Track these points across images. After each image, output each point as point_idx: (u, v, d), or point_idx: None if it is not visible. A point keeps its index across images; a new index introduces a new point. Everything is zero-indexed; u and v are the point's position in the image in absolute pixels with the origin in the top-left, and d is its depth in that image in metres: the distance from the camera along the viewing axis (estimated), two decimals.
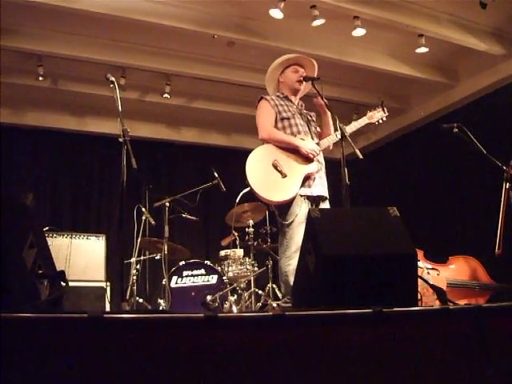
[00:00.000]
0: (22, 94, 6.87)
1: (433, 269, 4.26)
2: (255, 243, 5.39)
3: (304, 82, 3.88)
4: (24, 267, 1.93)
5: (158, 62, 6.48)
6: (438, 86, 7.17)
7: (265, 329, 1.77)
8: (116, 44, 6.17)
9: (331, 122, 3.91)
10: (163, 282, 5.09)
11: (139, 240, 5.29)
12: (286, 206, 3.58)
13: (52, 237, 5.14)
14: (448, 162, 7.02)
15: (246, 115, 7.21)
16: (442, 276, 4.25)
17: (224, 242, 5.76)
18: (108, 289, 5.14)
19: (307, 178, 3.64)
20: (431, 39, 5.99)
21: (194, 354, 1.64)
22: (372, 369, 1.86)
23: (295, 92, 3.95)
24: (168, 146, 8.17)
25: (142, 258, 5.52)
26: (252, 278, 5.23)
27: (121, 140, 3.34)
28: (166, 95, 6.99)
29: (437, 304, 2.84)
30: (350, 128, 3.76)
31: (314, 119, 4.04)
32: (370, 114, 3.93)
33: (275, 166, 3.59)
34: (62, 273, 2.23)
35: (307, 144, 3.67)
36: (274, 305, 4.83)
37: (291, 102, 3.92)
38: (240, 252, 5.61)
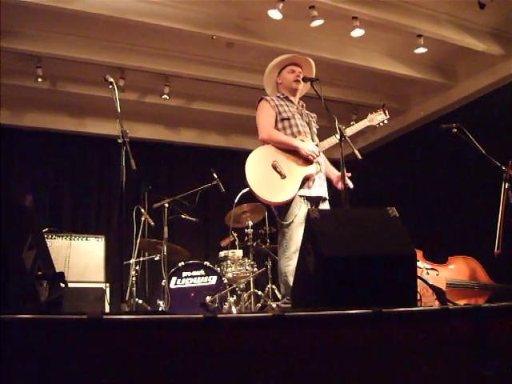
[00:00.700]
0: (21, 95, 6.87)
1: (432, 269, 4.27)
2: (254, 244, 5.40)
3: (302, 82, 3.88)
4: (23, 268, 1.93)
5: (157, 63, 6.47)
6: (436, 86, 7.17)
7: (264, 329, 1.77)
8: (115, 45, 6.16)
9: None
10: (162, 283, 5.09)
11: (138, 241, 5.28)
12: (285, 207, 3.58)
13: (51, 238, 5.13)
14: (447, 162, 7.02)
15: (245, 116, 7.21)
16: (441, 276, 4.25)
17: (223, 243, 5.76)
18: (107, 290, 5.14)
19: (307, 179, 3.64)
20: (430, 39, 5.99)
21: (194, 354, 1.64)
22: (372, 369, 1.86)
23: (294, 92, 3.94)
24: (167, 147, 8.16)
25: (141, 259, 5.52)
26: (251, 279, 5.22)
27: (120, 141, 3.33)
28: (164, 96, 6.99)
29: (436, 304, 2.84)
30: (351, 130, 3.75)
31: (315, 120, 4.04)
32: (370, 116, 3.92)
33: (275, 167, 3.59)
34: (62, 274, 2.23)
35: (307, 145, 3.66)
36: (274, 305, 4.84)
37: (291, 102, 3.92)
38: (239, 253, 5.60)
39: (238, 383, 1.68)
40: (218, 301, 5.03)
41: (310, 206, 3.60)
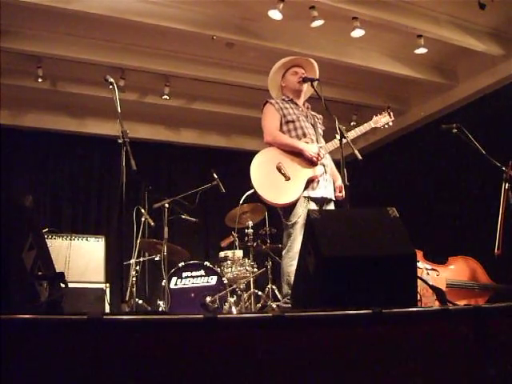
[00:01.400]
0: (21, 95, 6.86)
1: (432, 269, 4.26)
2: (255, 244, 5.40)
3: (305, 83, 3.89)
4: (24, 269, 1.93)
5: (157, 64, 6.47)
6: (437, 86, 7.17)
7: (264, 330, 1.77)
8: (115, 45, 6.16)
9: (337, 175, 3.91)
10: (163, 284, 5.08)
11: (139, 241, 5.28)
12: (289, 208, 3.61)
13: (51, 238, 5.14)
14: (447, 162, 7.02)
15: (245, 116, 7.23)
16: (441, 276, 4.25)
17: (223, 243, 5.76)
18: (107, 290, 5.14)
19: (311, 181, 3.66)
20: (430, 40, 5.99)
21: (194, 355, 1.64)
22: (372, 369, 1.86)
23: (298, 94, 3.96)
24: (167, 147, 8.17)
25: (141, 259, 5.52)
26: (251, 279, 5.23)
27: (120, 141, 3.33)
28: (165, 96, 6.99)
29: (436, 304, 2.85)
30: (356, 132, 3.75)
31: (321, 121, 4.05)
32: (375, 118, 3.93)
33: (279, 169, 3.63)
34: (62, 274, 2.23)
35: (311, 147, 3.68)
36: (274, 306, 4.84)
37: (296, 104, 3.94)
38: (239, 253, 5.60)
39: (238, 383, 1.68)
40: (218, 301, 5.03)
41: (314, 207, 3.61)
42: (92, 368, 1.52)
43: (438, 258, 4.49)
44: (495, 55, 6.33)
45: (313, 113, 4.01)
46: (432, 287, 2.84)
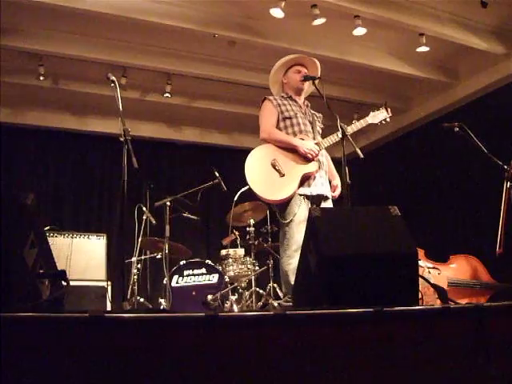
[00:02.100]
0: (22, 93, 6.87)
1: (434, 268, 4.26)
2: (256, 242, 5.39)
3: (307, 81, 3.88)
4: (25, 267, 1.94)
5: (159, 62, 6.47)
6: (438, 85, 7.16)
7: (266, 328, 1.77)
8: (117, 43, 6.16)
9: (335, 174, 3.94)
10: (164, 282, 5.09)
11: (140, 239, 5.29)
12: (285, 205, 3.59)
13: (53, 236, 5.13)
14: (449, 161, 7.01)
15: (247, 115, 7.22)
16: (442, 275, 4.24)
17: (225, 242, 5.75)
18: (109, 288, 5.14)
19: (307, 178, 3.64)
20: (432, 38, 5.99)
21: (195, 353, 1.64)
22: (373, 368, 1.86)
23: (299, 92, 3.95)
24: (169, 146, 8.17)
25: (142, 257, 5.52)
26: (253, 278, 5.23)
27: (122, 139, 3.33)
28: (166, 94, 6.99)
29: (438, 303, 2.84)
30: (352, 128, 3.74)
31: (321, 120, 4.04)
32: (372, 114, 3.91)
33: (274, 165, 3.62)
34: (63, 272, 2.23)
35: (306, 144, 3.67)
36: (275, 304, 4.83)
37: (295, 101, 3.93)
38: (241, 251, 5.60)
39: (238, 382, 1.68)
40: (219, 299, 5.03)
41: (310, 205, 3.60)
42: (93, 366, 1.52)
43: (440, 256, 4.49)
44: (497, 54, 6.32)
45: (312, 111, 4.00)
46: (433, 286, 2.83)
